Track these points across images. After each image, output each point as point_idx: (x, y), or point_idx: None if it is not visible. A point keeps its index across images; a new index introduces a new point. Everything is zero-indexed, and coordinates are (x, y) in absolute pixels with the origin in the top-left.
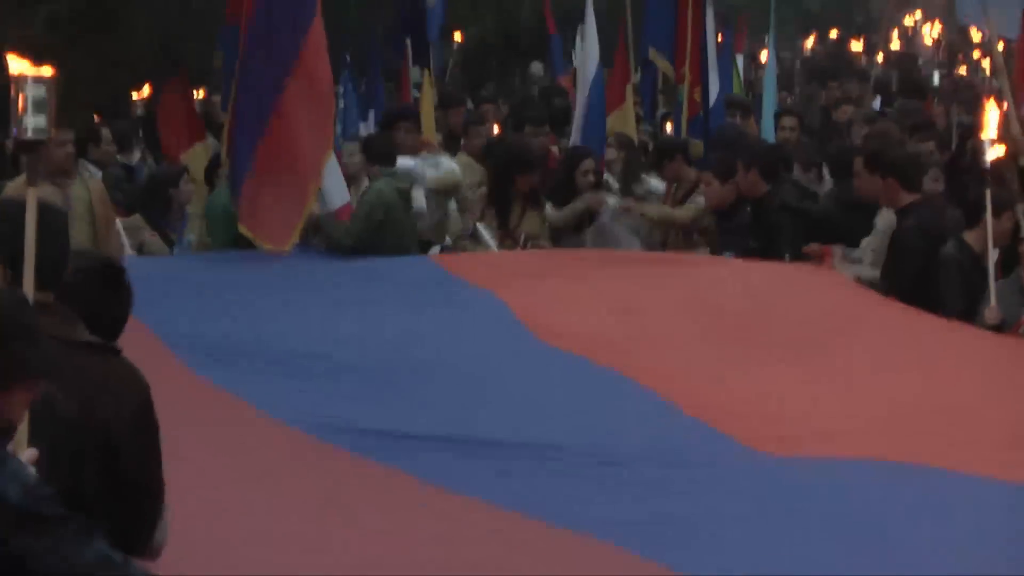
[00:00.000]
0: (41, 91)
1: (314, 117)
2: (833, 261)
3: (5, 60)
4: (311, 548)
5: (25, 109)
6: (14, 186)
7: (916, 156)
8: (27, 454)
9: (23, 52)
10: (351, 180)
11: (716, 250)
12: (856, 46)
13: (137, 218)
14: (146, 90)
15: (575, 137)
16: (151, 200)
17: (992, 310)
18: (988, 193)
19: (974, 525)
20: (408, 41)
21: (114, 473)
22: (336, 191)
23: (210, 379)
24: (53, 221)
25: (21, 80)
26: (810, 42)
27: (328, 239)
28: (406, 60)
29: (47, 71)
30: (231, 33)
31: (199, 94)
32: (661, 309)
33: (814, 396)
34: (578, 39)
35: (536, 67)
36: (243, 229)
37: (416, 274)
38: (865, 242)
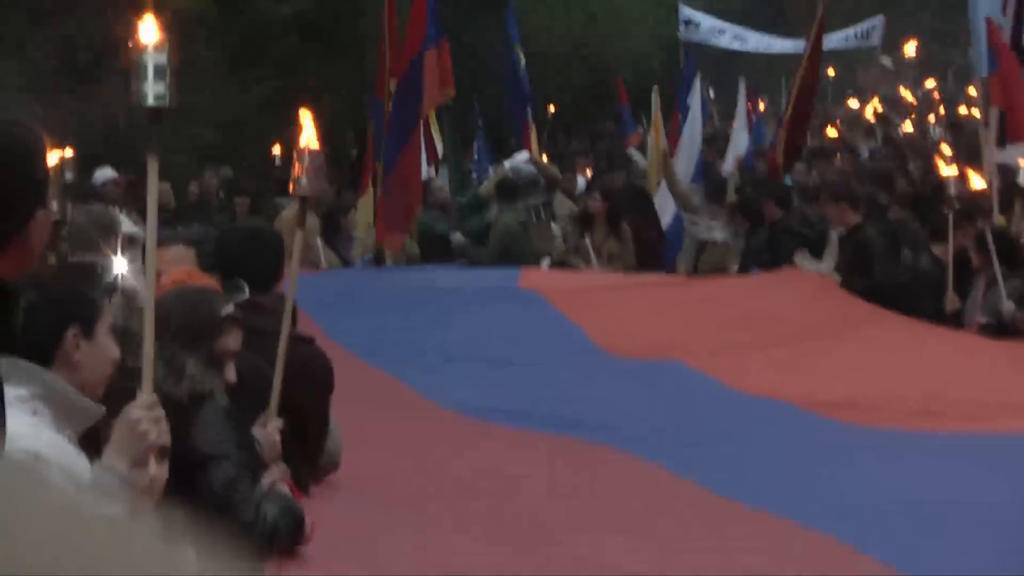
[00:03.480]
0: (162, 59)
1: (414, 171)
2: (797, 260)
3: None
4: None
5: (145, 76)
6: (285, 217)
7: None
8: (275, 423)
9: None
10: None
11: (744, 265)
12: None
13: (317, 240)
14: None
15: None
16: (327, 225)
17: (951, 301)
18: (951, 217)
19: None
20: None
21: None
22: None
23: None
24: (264, 238)
25: (142, 49)
26: None
27: (471, 259)
28: (527, 121)
29: (163, 39)
30: (377, 104)
31: None
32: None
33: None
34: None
35: (609, 126)
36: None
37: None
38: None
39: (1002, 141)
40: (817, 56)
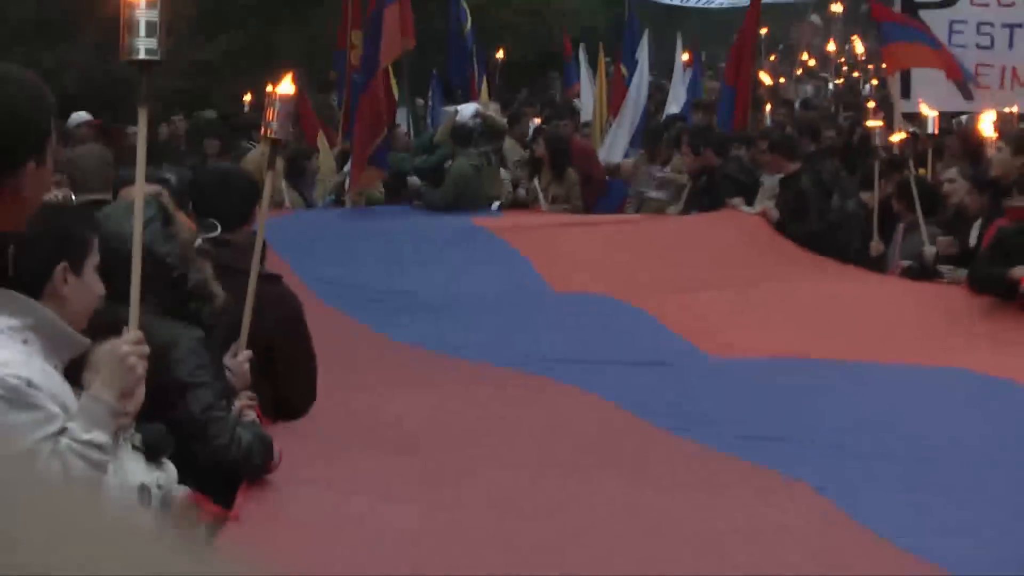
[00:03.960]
0: (154, 14)
1: (375, 114)
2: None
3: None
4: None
5: (137, 31)
6: (253, 158)
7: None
8: (244, 354)
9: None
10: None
11: (687, 208)
12: None
13: (282, 181)
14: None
15: (628, 131)
16: (292, 168)
17: (875, 245)
18: (876, 165)
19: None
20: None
21: (271, 363)
22: None
23: (338, 309)
24: (235, 179)
25: (135, 4)
26: None
27: (427, 203)
28: (473, 73)
29: None
30: (341, 56)
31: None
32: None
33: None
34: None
35: (554, 77)
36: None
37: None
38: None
39: (906, 92)
40: (757, 12)
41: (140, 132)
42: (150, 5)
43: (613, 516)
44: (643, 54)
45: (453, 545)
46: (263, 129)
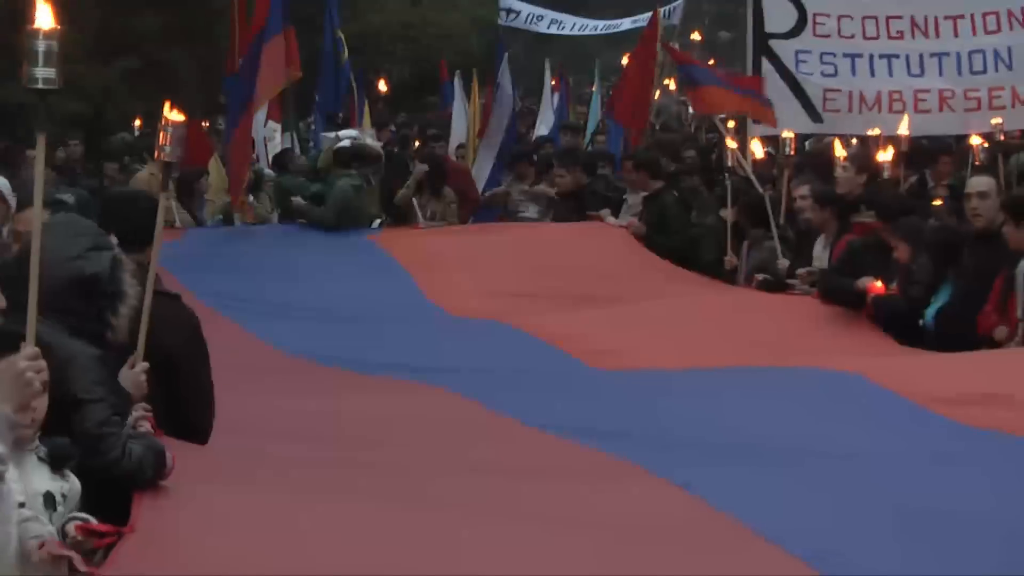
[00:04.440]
0: (52, 45)
1: (244, 142)
2: (604, 216)
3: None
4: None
5: (36, 61)
6: (143, 177)
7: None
8: (141, 366)
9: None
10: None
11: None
12: None
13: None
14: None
15: (493, 153)
16: (182, 189)
17: (729, 260)
18: (729, 184)
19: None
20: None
21: (169, 379)
22: None
23: (230, 319)
24: (141, 201)
25: (33, 33)
26: None
27: (311, 221)
28: (353, 102)
29: (54, 25)
30: (231, 81)
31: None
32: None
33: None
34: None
35: (432, 101)
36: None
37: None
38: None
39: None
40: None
41: (39, 156)
42: (48, 35)
43: (497, 513)
44: (504, 78)
45: (349, 543)
46: (156, 152)
